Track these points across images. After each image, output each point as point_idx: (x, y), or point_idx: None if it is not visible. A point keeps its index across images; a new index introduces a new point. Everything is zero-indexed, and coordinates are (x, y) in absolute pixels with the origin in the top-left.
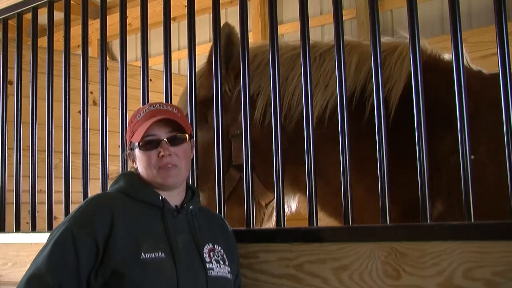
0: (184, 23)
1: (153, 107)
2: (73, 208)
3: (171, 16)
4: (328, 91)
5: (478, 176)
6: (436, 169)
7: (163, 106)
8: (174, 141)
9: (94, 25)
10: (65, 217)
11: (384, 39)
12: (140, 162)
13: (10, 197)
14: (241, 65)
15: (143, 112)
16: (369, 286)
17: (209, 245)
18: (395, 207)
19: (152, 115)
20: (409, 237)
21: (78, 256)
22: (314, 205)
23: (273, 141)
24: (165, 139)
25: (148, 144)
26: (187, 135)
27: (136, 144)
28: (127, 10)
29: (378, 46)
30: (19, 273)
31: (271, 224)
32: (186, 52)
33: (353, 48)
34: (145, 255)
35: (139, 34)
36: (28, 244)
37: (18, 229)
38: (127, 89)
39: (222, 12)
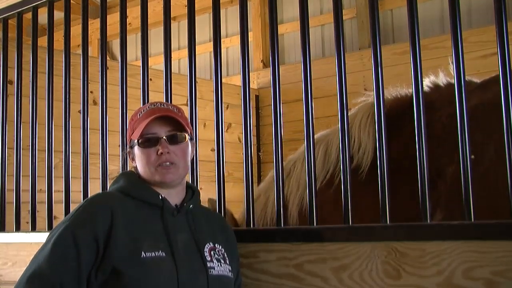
0: (184, 22)
1: (154, 105)
2: (73, 207)
3: (171, 16)
4: (300, 189)
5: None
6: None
7: (164, 105)
8: (173, 140)
9: (94, 25)
10: (65, 216)
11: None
12: (139, 160)
13: (10, 197)
14: (241, 62)
15: (144, 111)
16: (369, 285)
17: (209, 244)
18: None
19: (153, 113)
20: (409, 237)
21: (79, 255)
22: (314, 205)
23: None
24: (164, 137)
25: (147, 142)
26: (186, 135)
27: (136, 141)
28: (127, 9)
29: (378, 46)
30: (19, 272)
31: None
32: (186, 51)
33: (318, 141)
34: (145, 254)
35: (139, 34)
36: (28, 244)
37: (18, 229)
38: (127, 88)
39: (222, 12)
